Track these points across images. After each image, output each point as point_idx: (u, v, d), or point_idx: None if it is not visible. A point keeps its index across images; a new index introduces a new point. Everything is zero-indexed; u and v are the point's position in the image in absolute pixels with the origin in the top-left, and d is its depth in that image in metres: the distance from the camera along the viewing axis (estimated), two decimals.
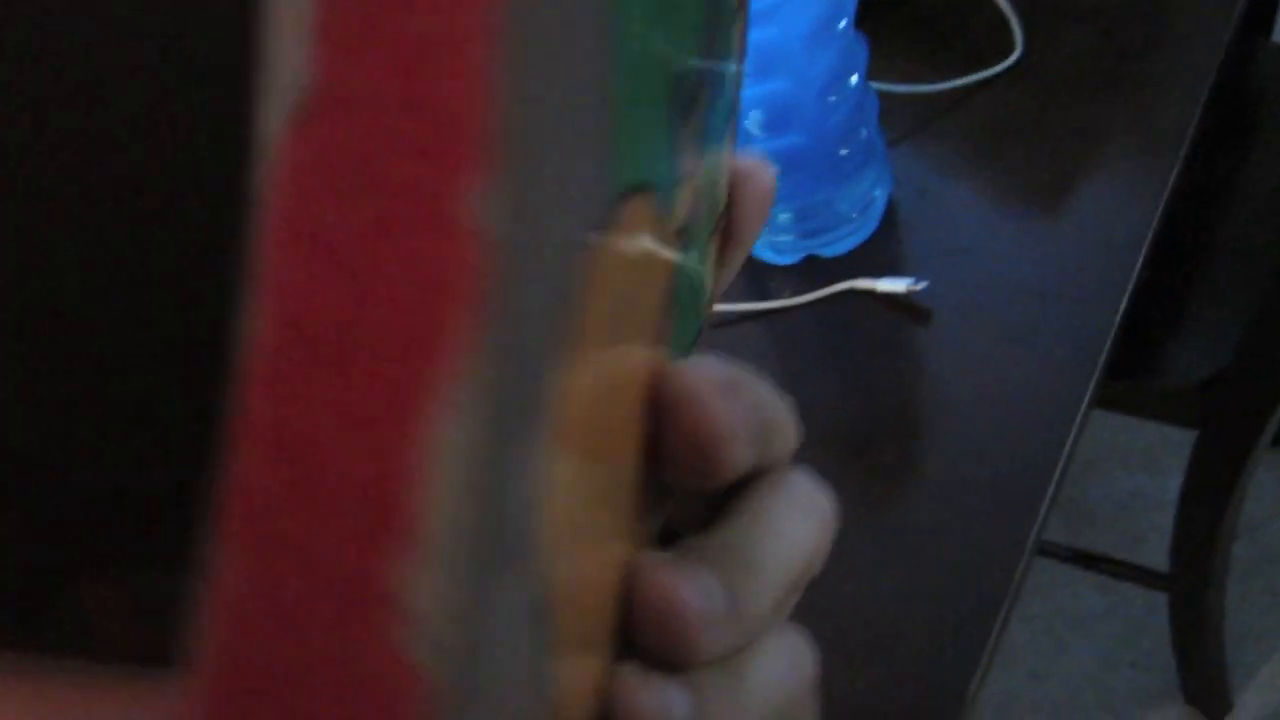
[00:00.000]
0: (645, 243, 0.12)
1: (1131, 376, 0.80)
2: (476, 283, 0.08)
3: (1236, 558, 1.15)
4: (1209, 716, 1.07)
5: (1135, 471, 1.23)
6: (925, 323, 0.49)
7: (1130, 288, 0.48)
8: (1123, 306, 0.47)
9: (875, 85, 0.58)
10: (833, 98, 0.47)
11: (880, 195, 0.53)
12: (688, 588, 0.12)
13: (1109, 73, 0.58)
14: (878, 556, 0.43)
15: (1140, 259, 0.49)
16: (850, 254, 0.53)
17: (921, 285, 0.49)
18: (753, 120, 0.46)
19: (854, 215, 0.52)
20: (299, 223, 0.08)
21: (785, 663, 0.13)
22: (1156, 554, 1.17)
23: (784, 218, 0.51)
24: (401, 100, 0.08)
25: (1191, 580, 0.91)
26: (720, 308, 0.53)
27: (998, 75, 0.59)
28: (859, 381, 0.49)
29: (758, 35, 0.42)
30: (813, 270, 0.53)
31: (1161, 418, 0.84)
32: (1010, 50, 0.59)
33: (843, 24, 0.46)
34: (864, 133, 0.50)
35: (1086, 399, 0.44)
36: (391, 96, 0.08)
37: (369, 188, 0.08)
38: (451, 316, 0.08)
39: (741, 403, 0.13)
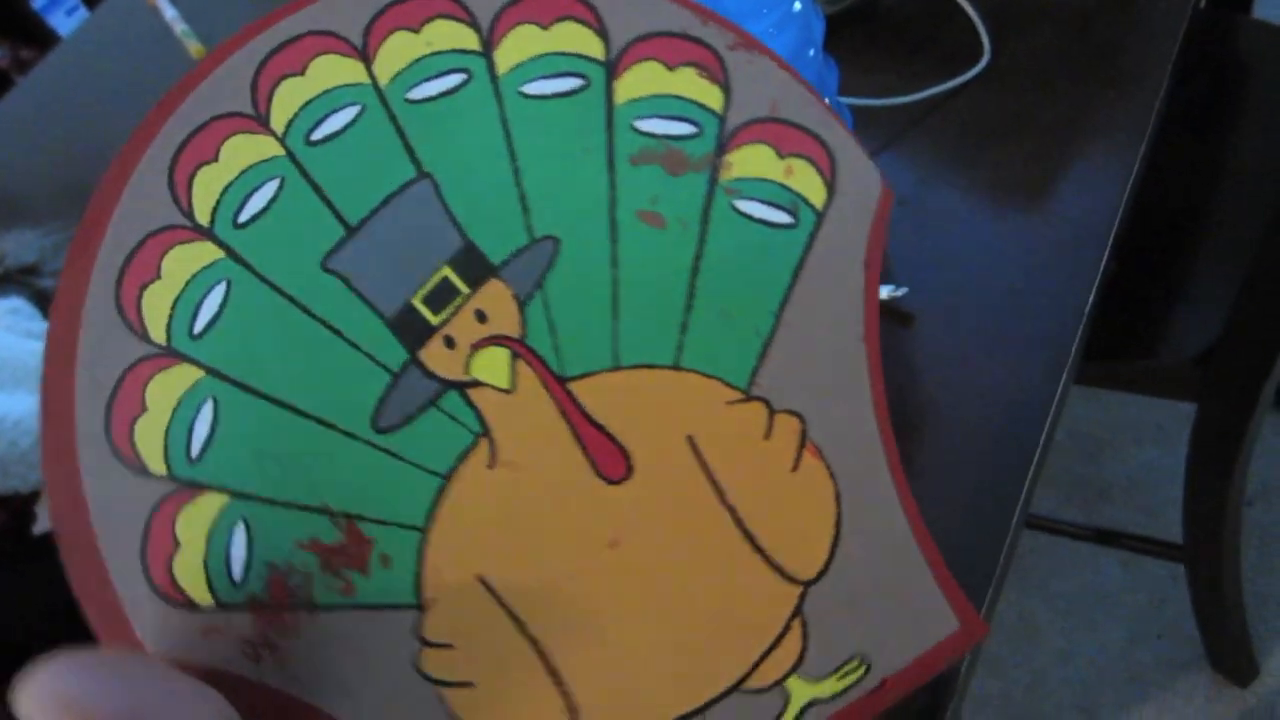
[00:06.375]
0: None
1: (1129, 356, 0.82)
2: None
3: (1255, 523, 1.17)
4: (1237, 682, 1.09)
5: (1146, 446, 1.25)
6: (908, 326, 0.52)
7: (1098, 277, 0.50)
8: (1091, 296, 0.49)
9: (849, 100, 0.61)
10: None
11: None
12: None
13: (1076, 71, 0.60)
14: None
15: (1107, 248, 0.51)
16: None
17: (902, 291, 0.52)
18: None
19: None
20: None
21: None
22: (1173, 526, 1.18)
23: None
24: None
25: (1206, 550, 0.93)
26: None
27: (969, 81, 0.62)
28: None
29: None
30: None
31: (1162, 394, 0.86)
32: (979, 57, 0.62)
33: (812, 52, 0.49)
34: None
35: (1060, 386, 0.47)
36: None
37: None
38: None
39: None
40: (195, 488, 0.19)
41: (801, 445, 0.22)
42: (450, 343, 0.20)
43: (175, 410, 0.19)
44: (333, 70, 0.20)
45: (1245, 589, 0.98)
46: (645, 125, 0.21)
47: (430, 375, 0.20)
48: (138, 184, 0.19)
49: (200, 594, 0.19)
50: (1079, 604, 1.19)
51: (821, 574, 0.22)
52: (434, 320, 0.20)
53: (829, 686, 0.22)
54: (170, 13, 1.02)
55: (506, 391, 0.20)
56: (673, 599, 0.21)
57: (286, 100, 0.20)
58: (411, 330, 0.20)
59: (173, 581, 0.19)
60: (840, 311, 0.21)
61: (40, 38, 1.88)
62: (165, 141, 0.20)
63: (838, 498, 0.22)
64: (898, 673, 0.22)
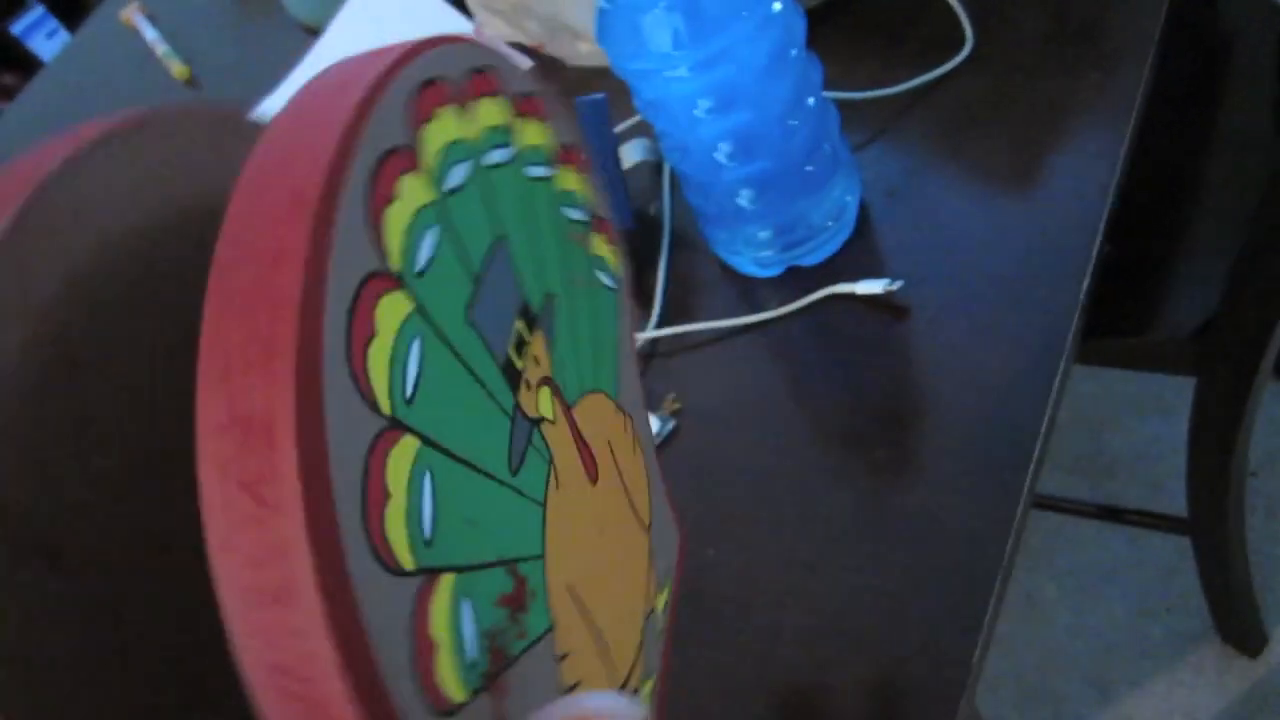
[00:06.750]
0: None
1: (1126, 334, 0.82)
2: None
3: (1260, 493, 1.17)
4: (1246, 653, 1.09)
5: (1149, 419, 1.25)
6: (905, 319, 0.52)
7: (1092, 261, 0.50)
8: (1085, 281, 0.49)
9: (835, 95, 0.61)
10: (793, 121, 0.49)
11: (851, 201, 0.56)
12: None
13: (1059, 53, 0.60)
14: (879, 545, 0.46)
15: (1100, 231, 0.51)
16: (830, 260, 0.56)
17: (897, 285, 0.52)
18: (721, 151, 0.49)
19: (829, 224, 0.55)
20: None
21: None
22: (1178, 499, 1.18)
23: (764, 235, 0.54)
24: None
25: (1210, 522, 0.93)
26: (714, 324, 0.56)
27: (953, 70, 0.62)
28: (848, 381, 0.51)
29: (717, 74, 0.45)
30: (796, 280, 0.56)
31: (1161, 369, 0.86)
32: (962, 44, 0.62)
33: (795, 52, 0.48)
34: (827, 147, 0.52)
35: (1059, 374, 0.47)
36: None
37: None
38: None
39: None
40: (432, 574, 0.16)
41: (635, 435, 0.30)
42: (529, 385, 0.23)
43: (409, 492, 0.16)
44: (450, 122, 0.20)
45: (1252, 559, 0.98)
46: (570, 211, 0.27)
47: (524, 414, 0.22)
48: (343, 219, 0.15)
49: (456, 691, 0.16)
50: (1087, 580, 1.19)
51: (651, 520, 0.30)
52: (520, 366, 0.22)
53: (662, 599, 0.30)
54: (151, 34, 1.02)
55: (552, 423, 0.24)
56: (622, 562, 0.27)
57: (431, 143, 0.19)
58: (511, 376, 0.22)
59: (437, 687, 0.16)
60: (631, 340, 0.31)
61: (22, 62, 1.87)
62: (358, 171, 0.16)
63: (646, 468, 0.31)
64: (675, 576, 0.32)
